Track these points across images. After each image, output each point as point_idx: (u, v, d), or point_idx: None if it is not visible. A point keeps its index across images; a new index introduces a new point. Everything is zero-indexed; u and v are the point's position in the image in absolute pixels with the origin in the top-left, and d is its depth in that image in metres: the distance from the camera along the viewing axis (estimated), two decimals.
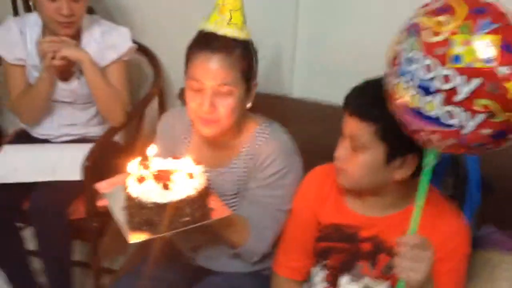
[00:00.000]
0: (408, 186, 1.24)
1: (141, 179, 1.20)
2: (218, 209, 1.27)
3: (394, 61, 1.01)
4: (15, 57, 1.92)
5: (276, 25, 1.93)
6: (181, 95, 1.95)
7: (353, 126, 1.22)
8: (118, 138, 2.11)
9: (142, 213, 1.16)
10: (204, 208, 1.23)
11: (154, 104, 2.22)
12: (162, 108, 2.24)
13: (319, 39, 1.93)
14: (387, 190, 1.28)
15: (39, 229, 1.81)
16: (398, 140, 1.14)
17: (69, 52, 1.79)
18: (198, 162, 1.32)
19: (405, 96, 0.98)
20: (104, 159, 1.92)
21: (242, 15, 1.37)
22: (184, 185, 1.20)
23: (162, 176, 1.22)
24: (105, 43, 1.93)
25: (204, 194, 1.22)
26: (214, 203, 1.27)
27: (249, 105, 1.42)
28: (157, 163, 1.26)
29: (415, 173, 1.20)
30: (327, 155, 1.34)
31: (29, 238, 1.96)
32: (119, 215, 1.22)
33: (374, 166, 1.22)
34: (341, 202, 1.37)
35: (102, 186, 1.34)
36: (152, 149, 1.27)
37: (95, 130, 2.07)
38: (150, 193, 1.17)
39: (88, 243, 1.96)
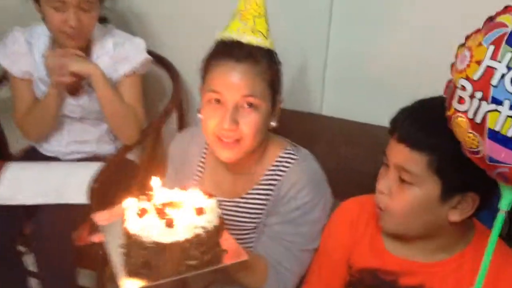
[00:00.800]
0: (464, 227, 1.07)
1: (141, 213, 1.02)
2: (233, 251, 1.08)
3: (483, 82, 0.84)
4: (20, 70, 1.80)
5: (307, 38, 1.81)
6: None
7: (402, 155, 1.04)
8: (133, 156, 1.97)
9: (140, 254, 0.99)
10: (215, 250, 1.05)
11: (173, 120, 2.09)
12: (182, 124, 2.11)
13: (352, 53, 1.79)
14: (438, 232, 1.09)
15: (41, 255, 1.68)
16: (457, 174, 0.99)
17: (77, 66, 1.66)
18: (213, 190, 1.19)
19: (505, 127, 0.83)
20: (116, 180, 1.80)
21: (266, 23, 1.24)
22: (192, 222, 1.02)
23: (165, 211, 1.04)
24: (118, 55, 1.79)
25: (216, 233, 1.04)
26: (227, 242, 1.09)
27: (273, 123, 1.27)
28: (162, 195, 1.09)
29: (476, 213, 1.03)
30: (359, 183, 1.22)
31: (32, 263, 1.79)
32: (115, 254, 1.05)
33: (426, 204, 1.04)
34: (377, 242, 1.18)
35: (101, 217, 1.17)
36: (155, 181, 1.11)
37: (108, 148, 1.93)
38: (151, 230, 0.99)
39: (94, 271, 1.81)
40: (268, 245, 1.27)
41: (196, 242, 1.00)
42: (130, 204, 1.06)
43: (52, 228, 1.64)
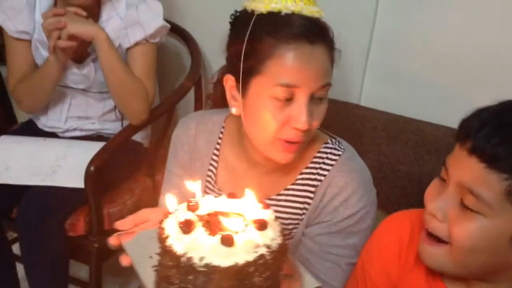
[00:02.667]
0: None
1: (187, 227, 0.76)
2: (295, 275, 0.83)
3: None
4: (16, 28, 1.58)
5: (350, 18, 1.59)
6: None
7: (472, 172, 0.78)
8: (141, 138, 1.75)
9: (188, 280, 0.74)
10: (277, 275, 0.79)
11: (190, 99, 1.87)
12: (199, 104, 1.90)
13: (399, 38, 1.57)
14: (505, 275, 0.83)
15: (28, 244, 1.48)
16: None
17: (77, 28, 1.42)
18: (230, 190, 0.97)
19: None
20: (120, 164, 1.60)
21: None
22: (253, 239, 0.76)
23: (217, 225, 0.79)
24: (130, 18, 1.56)
25: (281, 254, 0.78)
26: (287, 265, 0.83)
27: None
28: (206, 203, 0.83)
29: None
30: (402, 186, 1.07)
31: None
32: (148, 279, 0.80)
33: (493, 241, 0.78)
34: (435, 279, 0.91)
35: (124, 225, 0.91)
36: (194, 185, 0.85)
37: (113, 127, 1.72)
38: (203, 249, 0.74)
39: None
40: (313, 261, 1.04)
41: (260, 265, 0.74)
42: (172, 207, 0.82)
43: (42, 213, 1.44)
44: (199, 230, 0.76)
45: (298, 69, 0.92)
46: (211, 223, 0.78)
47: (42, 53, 1.59)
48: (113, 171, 1.56)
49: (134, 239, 0.88)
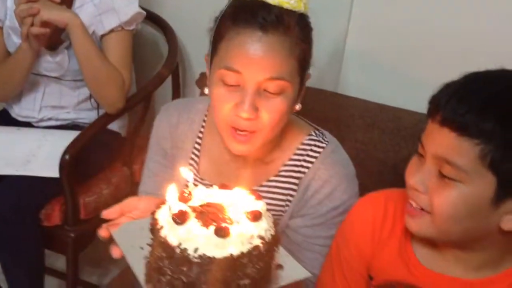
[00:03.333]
0: None
1: (182, 217, 0.75)
2: (289, 267, 0.83)
3: None
4: None
5: (329, 7, 1.57)
6: (200, 81, 1.64)
7: (445, 142, 0.81)
8: (118, 127, 1.73)
9: (182, 272, 0.74)
10: (269, 266, 0.79)
11: (168, 87, 1.86)
12: (177, 93, 1.88)
13: (378, 22, 1.57)
14: (486, 243, 0.85)
15: (0, 234, 1.45)
16: None
17: (50, 14, 1.40)
18: (213, 180, 1.02)
19: None
20: (96, 154, 1.58)
21: None
22: (247, 230, 0.75)
23: (213, 215, 0.78)
24: (104, 5, 1.54)
25: (273, 245, 0.78)
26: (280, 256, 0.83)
27: (298, 107, 1.02)
28: (198, 193, 0.82)
29: None
30: (379, 172, 1.09)
31: None
32: (140, 270, 0.79)
33: (474, 207, 0.81)
34: (406, 250, 0.93)
35: (111, 214, 0.90)
36: (187, 173, 0.84)
37: (89, 116, 1.69)
38: (198, 240, 0.73)
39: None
40: (297, 252, 1.04)
41: (254, 256, 0.74)
42: (168, 196, 0.79)
43: (16, 204, 1.42)
44: (193, 221, 0.75)
45: (243, 55, 0.90)
46: (205, 214, 0.77)
47: (14, 40, 1.56)
48: (90, 160, 1.55)
49: (124, 229, 0.87)
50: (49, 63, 1.56)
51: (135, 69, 1.94)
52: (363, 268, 0.97)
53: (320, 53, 1.60)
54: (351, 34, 1.62)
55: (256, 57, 0.90)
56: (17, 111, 1.69)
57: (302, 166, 1.04)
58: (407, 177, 0.88)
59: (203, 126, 1.12)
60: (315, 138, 1.07)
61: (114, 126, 1.69)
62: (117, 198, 1.63)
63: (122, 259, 0.81)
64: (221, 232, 0.72)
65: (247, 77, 0.91)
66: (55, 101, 1.66)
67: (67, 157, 1.41)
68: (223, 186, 0.83)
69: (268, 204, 1.02)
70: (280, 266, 0.81)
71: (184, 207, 0.77)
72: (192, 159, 1.11)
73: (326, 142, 1.06)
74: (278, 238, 0.79)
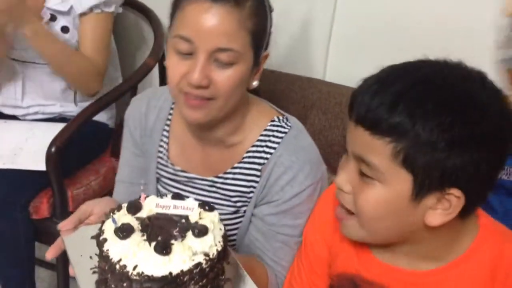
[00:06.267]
0: (458, 227, 0.83)
1: (124, 232, 0.75)
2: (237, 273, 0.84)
3: None
4: None
5: None
6: None
7: (360, 141, 0.79)
8: (105, 118, 1.72)
9: (121, 286, 0.73)
10: (218, 280, 0.78)
11: (155, 77, 1.85)
12: (164, 84, 1.83)
13: (364, 11, 1.56)
14: (420, 237, 0.84)
15: None
16: (434, 166, 0.74)
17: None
18: (180, 165, 1.06)
19: None
20: (82, 145, 1.57)
21: None
22: (190, 247, 0.75)
23: (158, 229, 0.77)
24: None
25: (220, 261, 0.78)
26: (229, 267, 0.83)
27: (255, 83, 1.03)
28: (149, 205, 0.81)
29: (468, 211, 0.80)
30: None
31: None
32: (83, 280, 0.79)
33: (394, 206, 0.79)
34: (362, 246, 0.92)
35: (66, 225, 0.91)
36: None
37: (76, 108, 1.67)
38: (138, 258, 0.72)
39: None
40: (262, 243, 1.06)
41: (196, 274, 0.73)
42: (107, 217, 0.80)
43: (4, 197, 1.42)
44: (137, 235, 0.75)
45: (193, 24, 0.92)
46: (150, 227, 0.77)
47: None
48: (77, 152, 1.55)
49: (76, 236, 0.88)
50: (24, 40, 1.49)
51: (120, 58, 1.93)
52: (327, 254, 0.97)
53: (307, 41, 1.64)
54: (337, 22, 1.61)
55: (206, 26, 0.92)
56: (1, 101, 1.67)
57: (264, 152, 1.05)
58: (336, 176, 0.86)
59: (170, 114, 1.13)
60: (277, 123, 1.07)
61: (102, 117, 1.68)
62: (105, 189, 1.65)
63: None
64: (162, 250, 0.72)
65: (198, 45, 0.93)
66: (37, 88, 1.64)
67: (53, 149, 1.40)
68: (176, 196, 0.83)
69: (233, 191, 1.06)
70: (228, 280, 0.80)
71: (130, 219, 0.77)
72: (161, 146, 1.13)
73: (289, 127, 1.06)
74: (226, 253, 0.79)
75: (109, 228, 0.76)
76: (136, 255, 0.72)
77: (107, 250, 0.74)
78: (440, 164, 0.73)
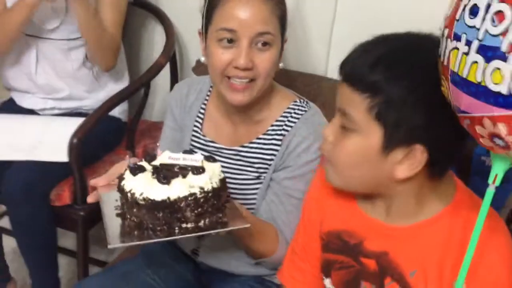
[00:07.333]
0: (426, 190, 0.92)
1: (135, 170, 0.95)
2: (235, 219, 0.98)
3: (452, 18, 0.73)
4: None
5: None
6: (197, 68, 1.74)
7: (344, 96, 0.90)
8: (118, 113, 1.82)
9: (133, 213, 0.92)
10: (215, 217, 0.96)
11: (166, 78, 1.95)
12: (175, 79, 1.97)
13: (364, 9, 1.64)
14: (393, 191, 0.93)
15: (14, 216, 1.55)
16: (400, 122, 0.84)
17: None
18: (212, 138, 1.25)
19: (460, 65, 0.70)
20: (99, 138, 1.67)
21: None
22: (188, 180, 0.93)
23: (164, 169, 0.97)
24: None
25: (214, 196, 0.95)
26: (232, 211, 1.00)
27: (281, 65, 1.19)
28: (163, 157, 1.00)
29: (434, 170, 0.89)
30: None
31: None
32: (109, 215, 0.97)
33: (367, 156, 0.88)
34: (351, 200, 1.02)
35: (99, 182, 1.07)
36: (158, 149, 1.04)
37: (91, 103, 1.79)
38: (145, 186, 0.92)
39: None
40: (277, 204, 1.20)
41: (191, 202, 0.91)
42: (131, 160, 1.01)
43: (26, 187, 1.51)
44: (147, 174, 0.94)
45: (236, 16, 1.08)
46: (159, 169, 0.96)
47: None
48: (94, 145, 1.63)
49: (110, 192, 1.02)
50: (45, 10, 1.61)
51: (135, 58, 2.03)
52: (320, 217, 1.07)
53: (309, 38, 1.71)
54: (338, 20, 1.67)
55: (246, 16, 1.08)
56: (13, 79, 1.77)
57: (285, 125, 1.19)
58: None
59: (208, 95, 1.29)
60: (298, 103, 1.22)
61: (114, 112, 1.77)
62: None
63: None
64: (163, 180, 0.91)
65: (241, 34, 1.08)
66: (50, 65, 1.72)
67: (75, 140, 1.49)
68: (187, 152, 1.01)
69: (257, 158, 1.21)
70: (225, 221, 0.97)
71: (145, 164, 0.97)
72: (197, 121, 1.28)
73: (308, 107, 1.22)
74: (221, 191, 0.96)
75: (128, 172, 0.96)
76: (144, 186, 0.91)
77: (123, 184, 0.94)
78: (407, 121, 0.83)
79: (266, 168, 1.21)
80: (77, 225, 1.60)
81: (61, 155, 1.52)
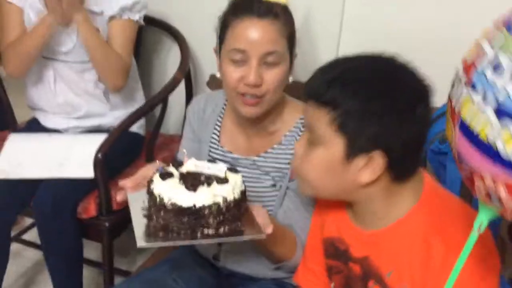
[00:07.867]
0: (394, 192, 0.98)
1: (165, 176, 1.03)
2: (254, 226, 1.06)
3: (471, 65, 0.70)
4: None
5: (322, 4, 1.74)
6: (211, 82, 1.81)
7: (308, 113, 0.99)
8: (137, 128, 1.91)
9: (160, 216, 1.00)
10: (234, 225, 1.04)
11: (182, 93, 2.03)
12: (190, 94, 2.06)
13: (369, 24, 1.70)
14: (362, 196, 1.00)
15: (44, 231, 1.63)
16: (360, 131, 0.92)
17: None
18: (229, 148, 1.31)
19: (473, 118, 0.68)
20: (120, 153, 1.75)
21: None
22: (213, 189, 1.01)
23: (190, 176, 1.05)
24: None
25: (235, 206, 1.03)
26: (248, 217, 1.08)
27: (290, 79, 1.26)
28: (189, 164, 1.09)
29: (397, 172, 0.96)
30: None
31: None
32: (136, 215, 1.05)
33: (332, 166, 0.96)
34: (342, 208, 1.10)
35: (127, 183, 1.14)
36: (182, 154, 1.14)
37: (110, 121, 1.87)
38: (173, 192, 0.99)
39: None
40: (293, 211, 1.26)
41: (214, 210, 0.99)
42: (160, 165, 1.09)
43: (54, 203, 1.58)
44: (175, 179, 1.03)
45: (246, 37, 1.15)
46: (186, 176, 1.04)
47: (31, 18, 1.70)
48: (116, 159, 1.70)
49: (138, 194, 1.10)
50: (60, 33, 1.69)
51: (151, 74, 2.11)
52: (321, 222, 1.15)
53: (316, 49, 1.75)
54: (345, 31, 1.73)
55: (256, 37, 1.15)
56: (36, 98, 1.85)
57: (298, 135, 1.26)
58: None
59: (223, 108, 1.37)
60: None
61: (133, 127, 1.85)
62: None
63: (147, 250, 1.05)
64: (190, 187, 0.99)
65: (251, 53, 1.15)
66: (66, 85, 1.80)
67: (99, 156, 1.57)
68: (211, 161, 1.10)
69: (272, 167, 1.28)
70: (243, 229, 1.04)
71: (172, 170, 1.05)
72: (214, 133, 1.36)
73: None
74: (241, 201, 1.04)
75: (157, 176, 1.03)
76: (172, 191, 0.99)
77: (152, 188, 1.01)
78: (365, 130, 0.91)
79: (282, 177, 1.27)
80: (103, 236, 1.68)
81: (87, 171, 1.59)
